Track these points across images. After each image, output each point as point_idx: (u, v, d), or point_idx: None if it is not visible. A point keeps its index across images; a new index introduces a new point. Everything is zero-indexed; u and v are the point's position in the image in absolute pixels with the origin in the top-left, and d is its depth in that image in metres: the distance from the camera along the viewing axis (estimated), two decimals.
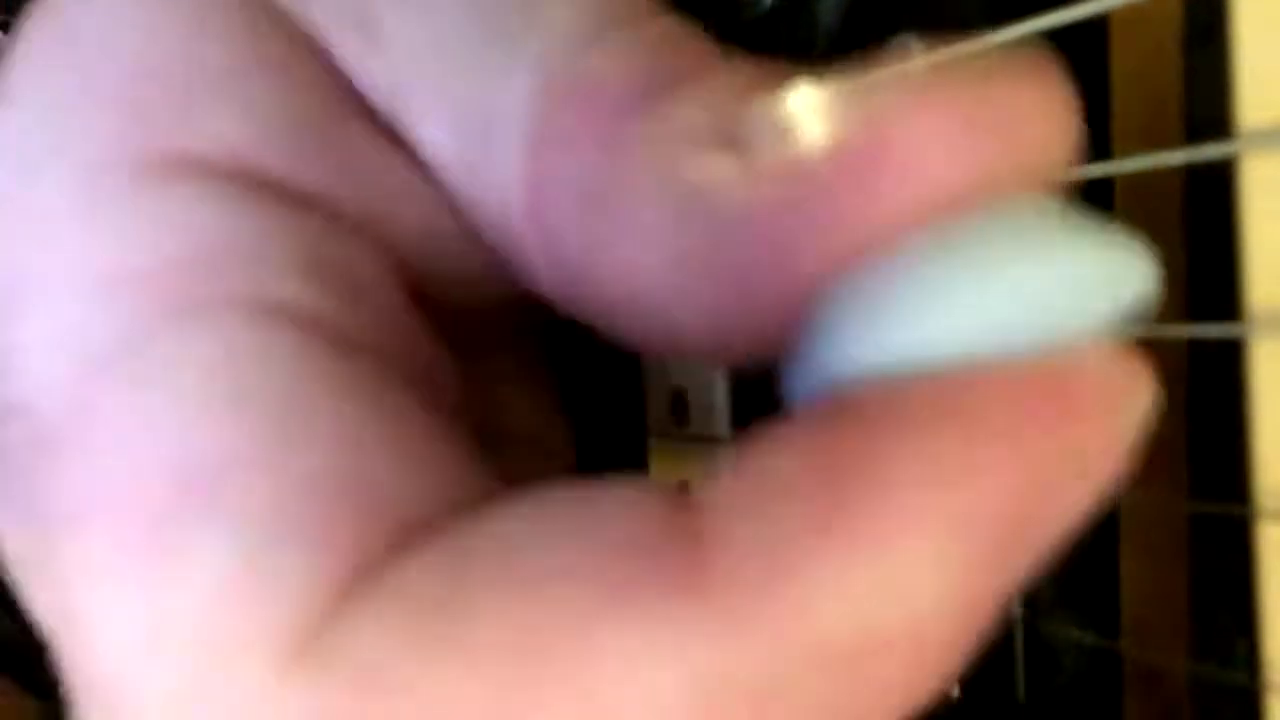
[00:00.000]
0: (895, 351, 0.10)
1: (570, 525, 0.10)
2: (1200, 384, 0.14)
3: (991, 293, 0.10)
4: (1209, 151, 0.14)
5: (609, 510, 0.10)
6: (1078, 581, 0.17)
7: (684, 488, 0.11)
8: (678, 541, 0.10)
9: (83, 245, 0.12)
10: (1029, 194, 0.10)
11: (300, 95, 0.13)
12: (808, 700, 0.10)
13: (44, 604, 0.12)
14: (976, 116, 0.10)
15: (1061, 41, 0.16)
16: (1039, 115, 0.11)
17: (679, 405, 0.25)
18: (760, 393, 0.23)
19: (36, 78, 0.13)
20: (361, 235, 0.13)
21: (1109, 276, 0.10)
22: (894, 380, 0.10)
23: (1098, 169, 0.15)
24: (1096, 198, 0.17)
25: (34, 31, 0.13)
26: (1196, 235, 0.14)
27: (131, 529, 0.11)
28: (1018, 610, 0.17)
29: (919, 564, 0.10)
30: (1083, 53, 0.17)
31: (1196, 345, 0.14)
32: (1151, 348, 0.16)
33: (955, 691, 0.18)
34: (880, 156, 0.10)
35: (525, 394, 0.15)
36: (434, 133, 0.13)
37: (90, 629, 0.11)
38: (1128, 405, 0.10)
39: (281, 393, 0.11)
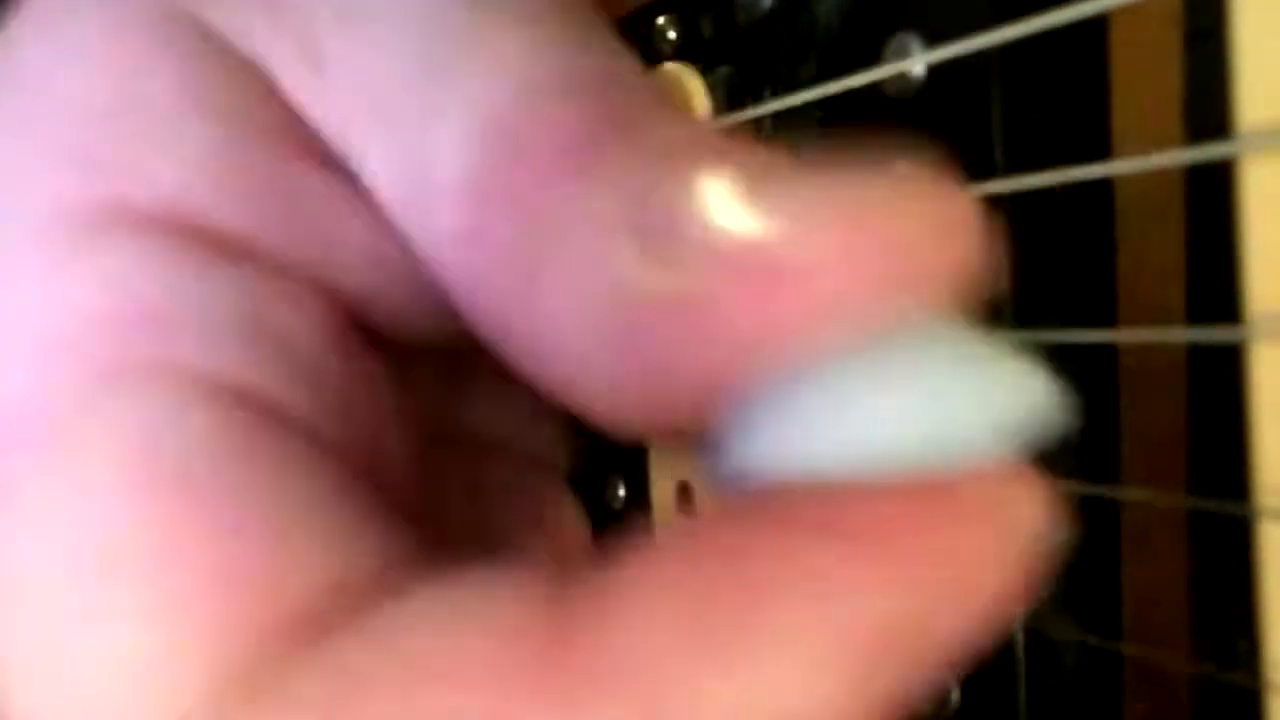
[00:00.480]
0: (789, 459, 0.10)
1: (452, 631, 0.10)
2: (1200, 384, 0.14)
3: (883, 410, 0.10)
4: (1209, 151, 0.14)
5: (491, 617, 0.10)
6: (1078, 582, 0.17)
7: (573, 571, 0.11)
8: (552, 647, 0.10)
9: (14, 305, 0.12)
10: (933, 311, 0.10)
11: (243, 136, 0.13)
12: None
13: None
14: (880, 233, 0.10)
15: (1062, 41, 0.16)
16: (941, 235, 0.10)
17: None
18: None
19: None
20: (301, 278, 0.12)
21: (1003, 397, 0.11)
22: (784, 487, 0.10)
23: (1098, 169, 0.15)
24: (1097, 197, 0.17)
25: None
26: (1196, 235, 0.14)
27: (37, 608, 0.11)
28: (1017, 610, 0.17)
29: (788, 679, 0.09)
30: (1083, 53, 0.17)
31: (1196, 347, 0.14)
32: (1152, 348, 0.16)
33: (955, 693, 0.18)
34: (778, 268, 0.10)
35: (505, 402, 0.15)
36: (376, 168, 0.13)
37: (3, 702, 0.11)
38: (1014, 523, 0.10)
39: (196, 475, 0.11)
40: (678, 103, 0.13)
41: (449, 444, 0.14)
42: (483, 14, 0.12)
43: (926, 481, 0.10)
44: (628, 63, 0.12)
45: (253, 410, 0.11)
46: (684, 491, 0.25)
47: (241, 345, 0.12)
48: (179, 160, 0.12)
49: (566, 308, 0.11)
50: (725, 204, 0.10)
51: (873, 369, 0.10)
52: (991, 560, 0.10)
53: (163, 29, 0.13)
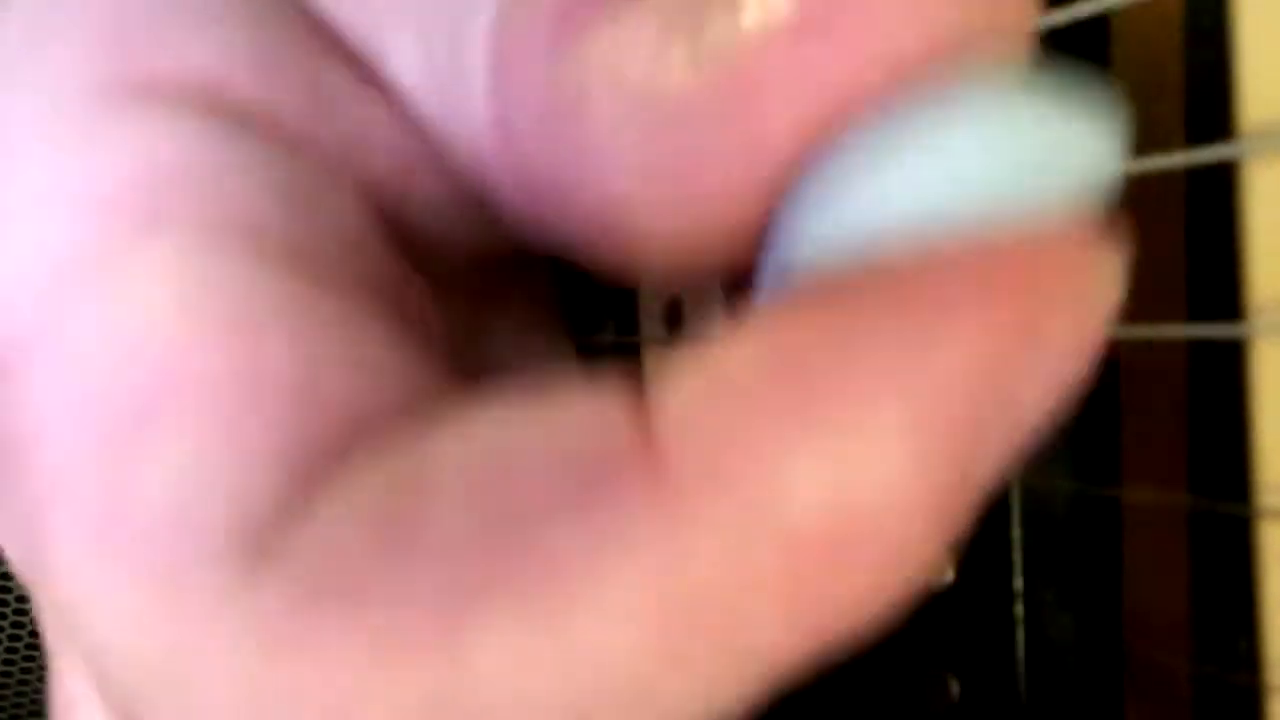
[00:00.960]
0: (856, 231, 0.10)
1: (527, 434, 0.10)
2: (1200, 383, 0.14)
3: (952, 165, 0.09)
4: (1209, 152, 0.14)
5: (568, 418, 0.10)
6: (1078, 580, 0.17)
7: (642, 390, 0.10)
8: (637, 446, 0.09)
9: (51, 166, 0.12)
10: (996, 60, 0.10)
11: (272, 28, 0.13)
12: (782, 599, 0.09)
13: (8, 534, 0.12)
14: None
15: (1062, 41, 0.16)
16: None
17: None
18: None
19: None
20: (329, 163, 0.12)
21: (1076, 148, 0.10)
22: (854, 262, 0.09)
23: None
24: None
25: None
26: (1197, 235, 0.14)
27: (90, 436, 0.11)
28: (1019, 610, 0.17)
29: (888, 444, 0.09)
30: (1083, 53, 0.17)
31: (1197, 345, 0.14)
32: (1152, 347, 0.16)
33: (955, 689, 0.18)
34: (833, 17, 0.09)
35: (519, 325, 0.15)
36: (406, 63, 0.13)
37: (49, 545, 0.11)
38: (1095, 274, 0.10)
39: (240, 305, 0.11)
40: None
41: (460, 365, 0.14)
42: None
43: (1005, 237, 0.09)
44: None
45: (289, 255, 0.11)
46: None
47: (275, 201, 0.12)
48: (212, 43, 0.12)
49: (617, 146, 0.10)
50: None
51: (932, 123, 0.09)
52: (1077, 316, 0.10)
53: None
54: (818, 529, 0.09)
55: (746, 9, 0.10)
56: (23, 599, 0.63)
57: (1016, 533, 0.17)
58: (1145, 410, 0.16)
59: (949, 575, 0.18)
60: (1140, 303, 0.16)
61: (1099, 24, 0.16)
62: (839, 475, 0.09)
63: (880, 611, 0.10)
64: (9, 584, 0.61)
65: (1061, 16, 0.15)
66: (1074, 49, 0.16)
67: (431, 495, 0.10)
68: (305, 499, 0.10)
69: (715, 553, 0.09)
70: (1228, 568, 0.14)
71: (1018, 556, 0.17)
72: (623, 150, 0.10)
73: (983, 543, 0.17)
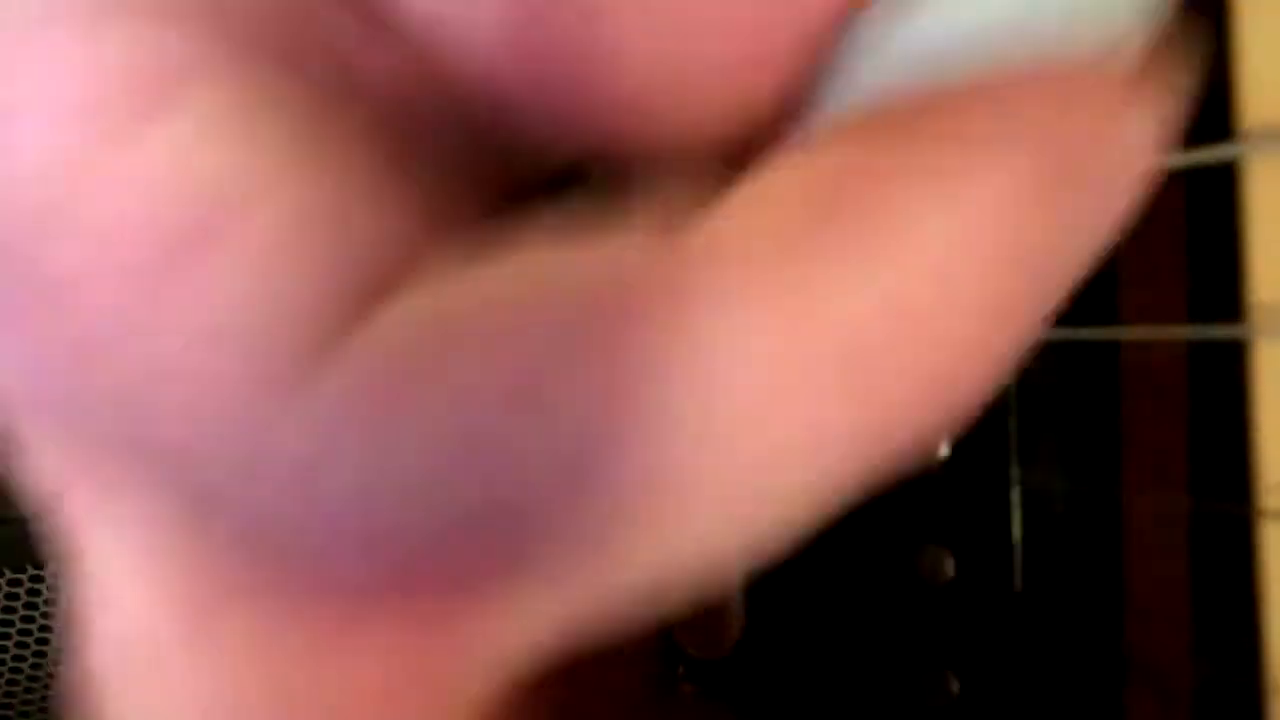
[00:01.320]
0: (905, 68, 0.10)
1: (552, 269, 0.10)
2: (1201, 384, 0.14)
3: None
4: (1209, 152, 0.14)
5: (593, 253, 0.10)
6: (1079, 582, 0.17)
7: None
8: (664, 256, 0.10)
9: (54, 66, 0.12)
10: None
11: None
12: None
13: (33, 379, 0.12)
14: None
15: None
16: None
17: None
18: None
19: None
20: (330, 79, 0.13)
21: None
22: (917, 80, 0.10)
23: None
24: None
25: None
26: (1197, 235, 0.14)
27: (142, 254, 0.11)
28: (1019, 609, 0.17)
29: (981, 204, 0.09)
30: None
31: (1197, 345, 0.14)
32: (1152, 347, 0.16)
33: (955, 686, 0.18)
34: None
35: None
36: None
37: (107, 369, 0.11)
38: (1135, 106, 0.10)
39: (279, 137, 0.11)
40: None
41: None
42: None
43: (1060, 61, 0.10)
44: None
45: (314, 109, 0.12)
46: None
47: (293, 68, 0.12)
48: None
49: (631, 25, 0.11)
50: None
51: None
52: (1117, 147, 0.10)
53: None
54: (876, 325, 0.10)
55: None
56: (33, 592, 0.63)
57: (1016, 532, 0.17)
58: (1145, 410, 0.16)
59: (950, 572, 0.18)
60: (1140, 303, 0.16)
61: None
62: (906, 273, 0.09)
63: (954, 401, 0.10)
64: (17, 589, 0.62)
65: None
66: None
67: (463, 330, 0.10)
68: (351, 325, 0.10)
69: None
70: (1228, 568, 0.14)
71: (1018, 556, 0.17)
72: (652, 28, 0.10)
73: (983, 542, 0.18)
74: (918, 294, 0.09)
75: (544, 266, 0.10)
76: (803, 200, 0.09)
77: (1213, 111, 0.14)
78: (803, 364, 0.09)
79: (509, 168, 0.13)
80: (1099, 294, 0.17)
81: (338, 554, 0.11)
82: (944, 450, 0.18)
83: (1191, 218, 0.15)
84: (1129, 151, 0.10)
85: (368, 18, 0.13)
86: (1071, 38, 0.10)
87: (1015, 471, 0.17)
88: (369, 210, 0.11)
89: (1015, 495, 0.17)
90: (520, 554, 0.10)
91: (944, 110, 0.09)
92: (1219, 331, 0.14)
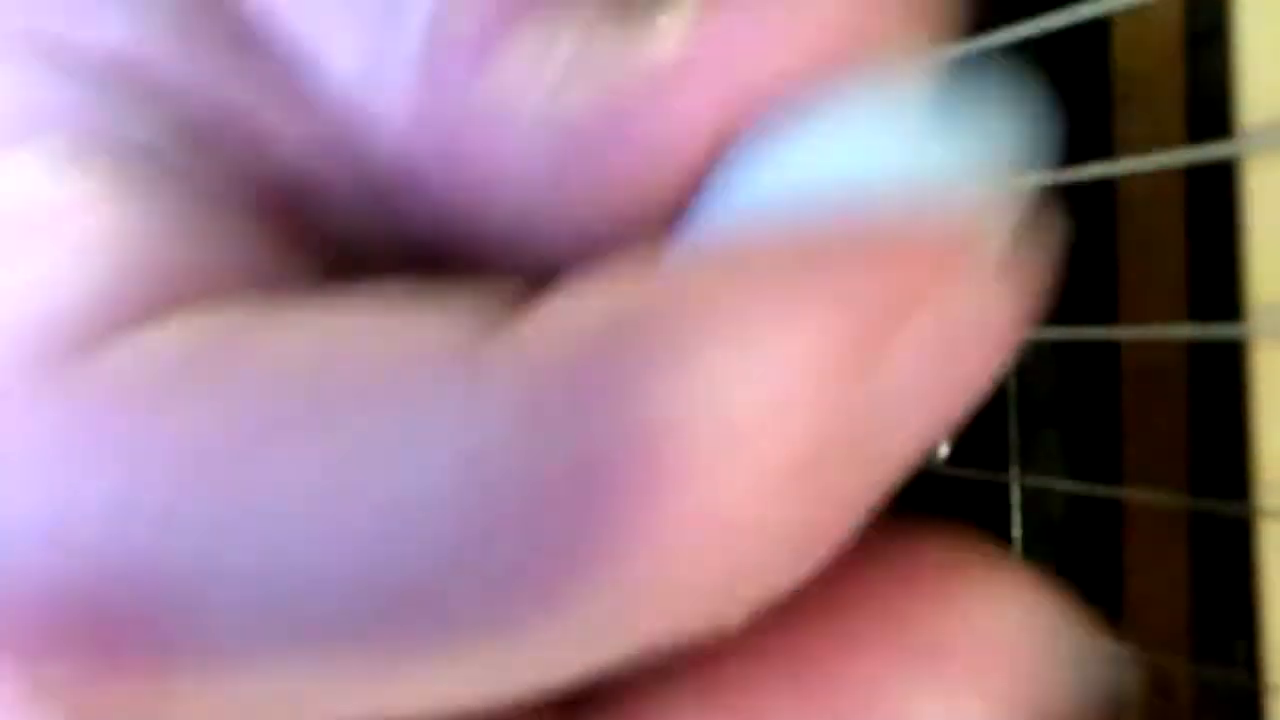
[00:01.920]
0: (751, 216, 0.10)
1: (367, 320, 0.11)
2: (1201, 383, 0.14)
3: (836, 164, 0.10)
4: (1209, 152, 0.14)
5: (412, 314, 0.11)
6: (1079, 582, 0.17)
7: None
8: (474, 343, 0.10)
9: None
10: (898, 64, 0.10)
11: (191, 16, 0.12)
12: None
13: None
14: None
15: (1062, 41, 0.16)
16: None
17: None
18: None
19: None
20: (235, 134, 0.13)
21: (972, 149, 0.10)
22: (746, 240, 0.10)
23: (1098, 169, 0.15)
24: (1097, 198, 0.17)
25: None
26: (1197, 235, 0.15)
27: None
28: None
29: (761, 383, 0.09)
30: (1083, 53, 0.17)
31: (1197, 345, 0.14)
32: (1152, 347, 0.16)
33: None
34: (730, 44, 0.10)
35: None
36: (338, 61, 0.13)
37: None
38: (966, 270, 0.10)
39: (120, 179, 0.12)
40: None
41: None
42: None
43: (882, 217, 0.10)
44: None
45: (165, 167, 0.12)
46: None
47: (168, 132, 0.12)
48: (129, 20, 0.13)
49: (528, 152, 0.11)
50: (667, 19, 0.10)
51: (826, 129, 0.10)
52: (943, 308, 0.10)
53: None
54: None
55: (650, 39, 0.10)
56: None
57: (1016, 533, 0.17)
58: (1145, 410, 0.16)
59: None
60: (1140, 302, 0.16)
61: (1101, 26, 0.16)
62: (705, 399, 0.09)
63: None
64: None
65: (1061, 19, 0.15)
66: (1075, 49, 0.17)
67: (246, 356, 0.09)
68: (130, 326, 0.10)
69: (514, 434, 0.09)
70: (1228, 568, 0.14)
71: (1018, 556, 0.17)
72: (535, 158, 0.11)
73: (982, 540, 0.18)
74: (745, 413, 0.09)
75: (345, 325, 0.10)
76: (593, 329, 0.09)
77: (1214, 111, 0.14)
78: None
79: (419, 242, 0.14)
80: (1099, 294, 0.17)
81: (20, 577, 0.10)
82: (944, 450, 0.18)
83: (1191, 217, 0.15)
84: (967, 320, 0.09)
85: (283, 91, 0.12)
86: (915, 197, 0.10)
87: (1015, 471, 0.17)
88: (193, 239, 0.11)
89: (1015, 495, 0.17)
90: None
91: (759, 258, 0.09)
92: (1219, 331, 0.14)
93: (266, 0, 0.13)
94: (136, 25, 0.12)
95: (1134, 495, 0.16)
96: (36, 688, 0.09)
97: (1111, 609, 0.17)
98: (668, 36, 0.10)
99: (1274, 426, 0.13)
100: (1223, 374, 0.14)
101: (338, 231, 0.13)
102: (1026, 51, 0.16)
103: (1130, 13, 0.15)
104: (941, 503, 0.19)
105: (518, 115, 0.10)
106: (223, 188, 0.12)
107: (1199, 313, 0.14)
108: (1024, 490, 0.17)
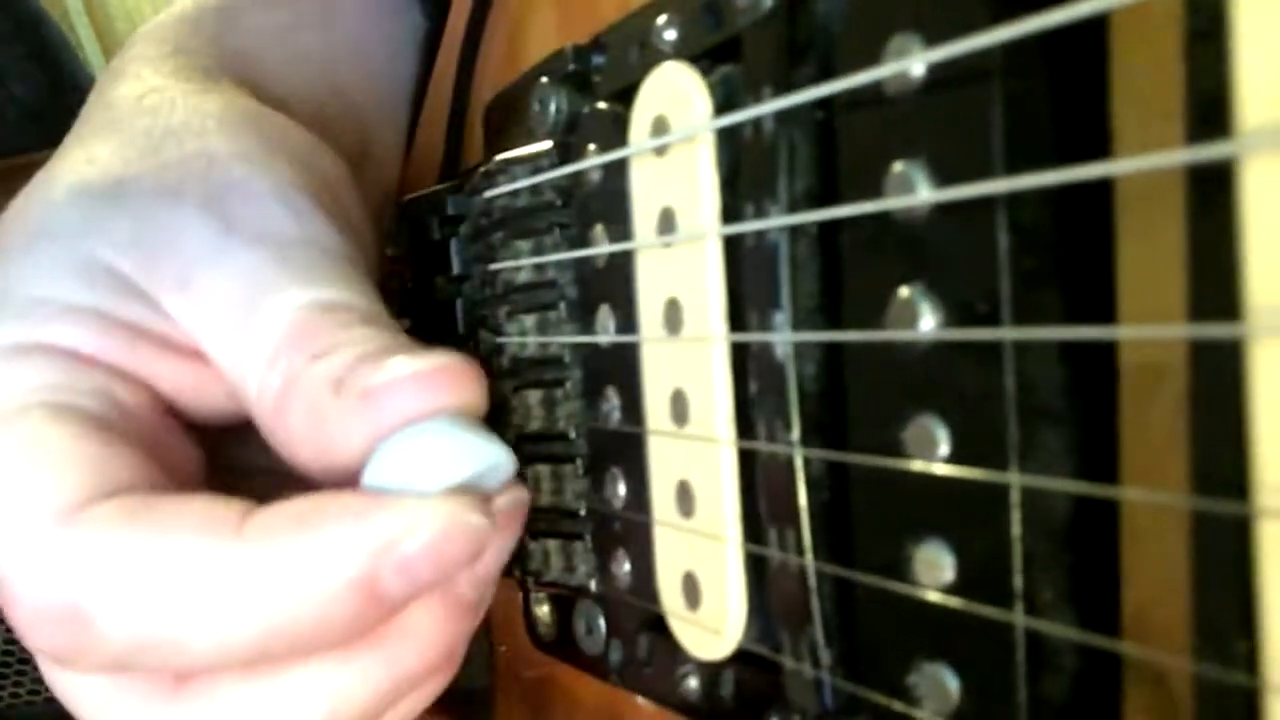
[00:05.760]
0: (374, 480, 0.24)
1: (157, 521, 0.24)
2: (1201, 382, 0.14)
3: (406, 456, 0.24)
4: (1209, 151, 0.14)
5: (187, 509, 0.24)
6: (1078, 581, 0.17)
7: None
8: (233, 525, 0.24)
9: None
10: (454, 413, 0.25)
11: (119, 323, 0.27)
12: None
13: None
14: (432, 383, 0.25)
15: (1062, 41, 0.16)
16: (462, 390, 0.25)
17: (679, 405, 0.25)
18: (763, 399, 0.23)
19: None
20: (137, 384, 0.27)
21: (474, 457, 0.25)
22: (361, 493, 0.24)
23: (1098, 169, 0.15)
24: (1096, 198, 0.17)
25: None
26: (1197, 235, 0.14)
27: None
28: (1019, 609, 0.17)
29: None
30: (1083, 52, 0.17)
31: (1197, 345, 0.14)
32: (1152, 347, 0.16)
33: (955, 692, 0.18)
34: (371, 400, 0.25)
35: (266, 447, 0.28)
36: (219, 353, 0.27)
37: None
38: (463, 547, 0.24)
39: (47, 435, 0.25)
40: (382, 324, 0.27)
41: (234, 472, 0.30)
42: (283, 269, 0.27)
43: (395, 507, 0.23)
44: (355, 294, 0.27)
45: (93, 424, 0.25)
46: (683, 491, 0.25)
47: (88, 394, 0.26)
48: (75, 326, 0.26)
49: (297, 425, 0.26)
50: (371, 377, 0.25)
51: (407, 442, 0.24)
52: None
53: (85, 274, 0.27)
54: None
55: (354, 384, 0.25)
56: None
57: (1017, 532, 0.17)
58: (1145, 410, 0.16)
59: (948, 574, 0.18)
60: (1141, 304, 0.16)
61: (1099, 24, 0.16)
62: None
63: None
64: None
65: (1061, 16, 0.15)
66: (1074, 49, 0.17)
67: (142, 524, 0.24)
68: (85, 508, 0.24)
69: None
70: (1228, 568, 0.14)
71: (1018, 556, 0.17)
72: (297, 436, 0.26)
73: (983, 542, 0.18)
74: None
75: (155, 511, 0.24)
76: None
77: (1213, 110, 0.14)
78: None
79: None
80: (1098, 291, 0.17)
81: None
82: (944, 450, 0.18)
83: (1191, 217, 0.15)
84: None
85: (183, 365, 0.28)
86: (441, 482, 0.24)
87: (1015, 471, 0.17)
88: (112, 459, 0.25)
89: (1015, 495, 0.17)
90: None
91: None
92: (1219, 331, 0.14)
93: (176, 308, 0.27)
94: (86, 333, 0.26)
95: (1134, 495, 0.16)
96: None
97: (1111, 609, 0.17)
98: (388, 369, 0.25)
99: (1274, 426, 0.13)
100: (1223, 374, 0.14)
101: (208, 417, 0.29)
102: (1025, 50, 0.16)
103: (1130, 12, 0.15)
104: (941, 502, 0.19)
105: (293, 411, 0.25)
106: (131, 417, 0.26)
107: (1199, 313, 0.14)
108: (1024, 490, 0.17)
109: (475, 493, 0.24)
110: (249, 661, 0.23)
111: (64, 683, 0.25)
